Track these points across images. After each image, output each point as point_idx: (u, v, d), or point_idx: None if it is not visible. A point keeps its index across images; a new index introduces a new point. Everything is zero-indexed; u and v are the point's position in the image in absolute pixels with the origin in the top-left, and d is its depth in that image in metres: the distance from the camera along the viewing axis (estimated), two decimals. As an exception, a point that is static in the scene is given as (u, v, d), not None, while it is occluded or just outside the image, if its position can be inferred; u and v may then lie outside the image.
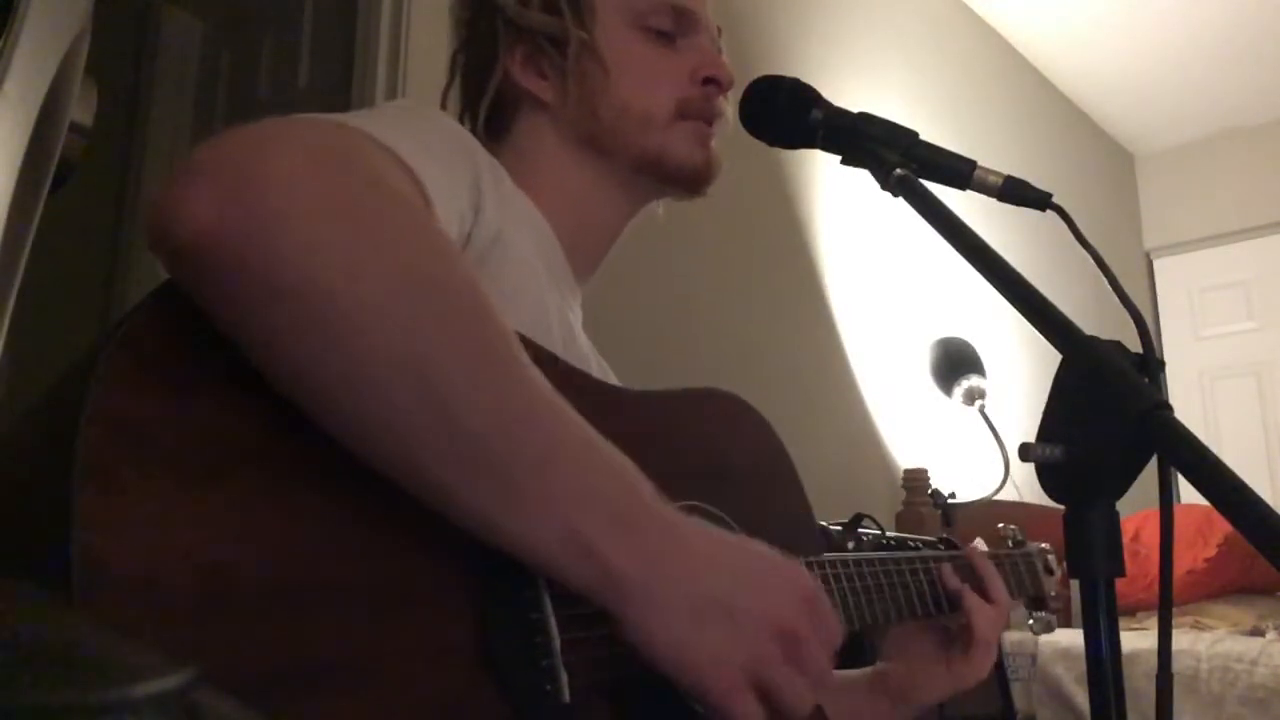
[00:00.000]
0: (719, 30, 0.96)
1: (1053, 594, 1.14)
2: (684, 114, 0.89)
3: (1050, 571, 1.15)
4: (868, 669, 0.99)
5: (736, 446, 0.87)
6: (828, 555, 0.84)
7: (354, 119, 0.64)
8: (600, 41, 0.88)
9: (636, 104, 0.88)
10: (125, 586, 0.45)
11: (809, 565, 0.79)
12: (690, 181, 0.91)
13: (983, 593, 0.97)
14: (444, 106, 0.95)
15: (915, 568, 0.94)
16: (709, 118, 0.91)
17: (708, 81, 0.91)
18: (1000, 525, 1.16)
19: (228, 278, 0.50)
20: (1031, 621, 1.12)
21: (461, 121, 0.93)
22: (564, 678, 0.57)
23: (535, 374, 0.56)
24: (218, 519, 0.49)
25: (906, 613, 0.91)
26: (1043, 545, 1.17)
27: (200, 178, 0.51)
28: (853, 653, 1.06)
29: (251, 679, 0.47)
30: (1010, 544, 1.12)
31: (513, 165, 0.84)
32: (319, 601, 0.51)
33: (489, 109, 0.91)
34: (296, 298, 0.50)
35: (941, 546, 1.09)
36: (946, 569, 0.97)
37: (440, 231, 0.59)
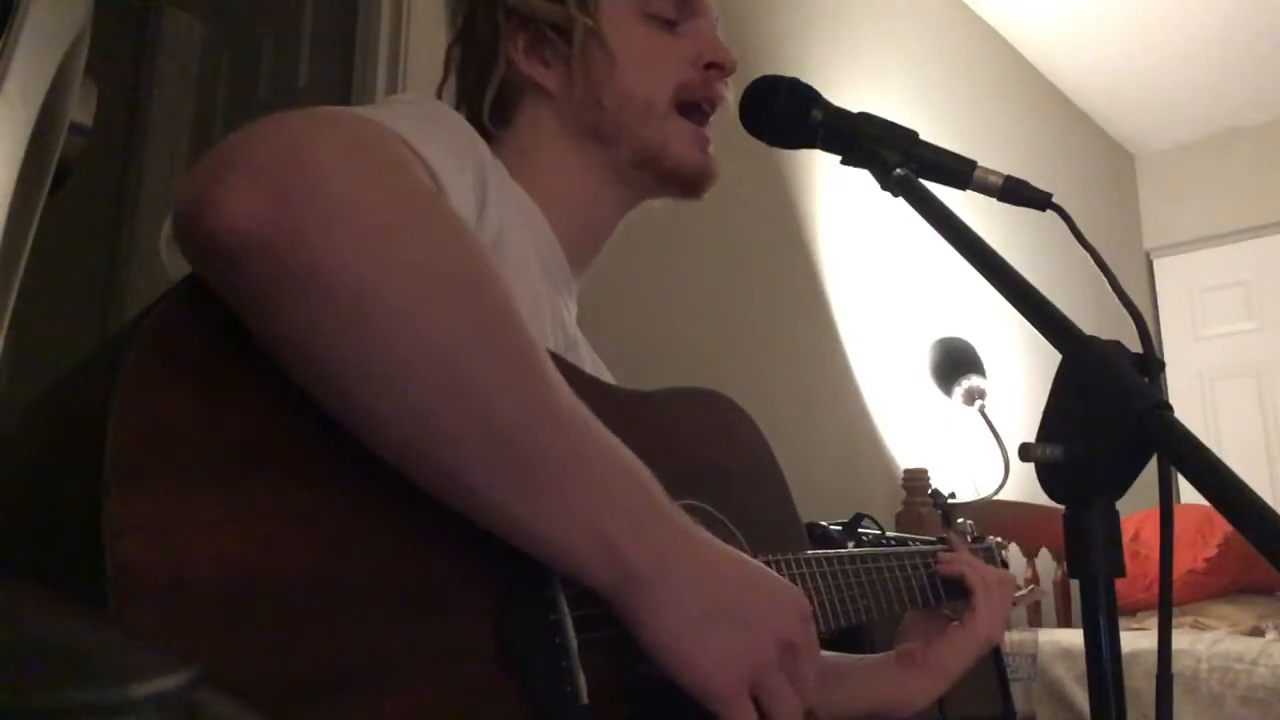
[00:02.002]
0: (716, 18, 0.96)
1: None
2: (683, 99, 0.90)
3: (1005, 565, 1.18)
4: (889, 653, 1.00)
5: (727, 445, 0.87)
6: (811, 553, 0.85)
7: (368, 114, 0.63)
8: (605, 28, 0.88)
9: (640, 91, 0.88)
10: (156, 592, 0.45)
11: (794, 562, 0.81)
12: (688, 182, 0.91)
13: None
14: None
15: (892, 564, 0.96)
16: (710, 101, 0.91)
17: (710, 66, 0.91)
18: (959, 520, 1.17)
19: (270, 277, 0.49)
20: None
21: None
22: (582, 678, 0.58)
23: (560, 379, 0.57)
24: (243, 522, 0.49)
25: (889, 608, 0.93)
26: (997, 539, 1.19)
27: (241, 174, 0.50)
28: (854, 648, 1.07)
29: (278, 682, 0.47)
30: (969, 539, 1.14)
31: (512, 160, 0.85)
32: (343, 605, 0.51)
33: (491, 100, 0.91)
34: (339, 296, 0.50)
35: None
36: (945, 556, 1.01)
37: (474, 235, 0.59)
